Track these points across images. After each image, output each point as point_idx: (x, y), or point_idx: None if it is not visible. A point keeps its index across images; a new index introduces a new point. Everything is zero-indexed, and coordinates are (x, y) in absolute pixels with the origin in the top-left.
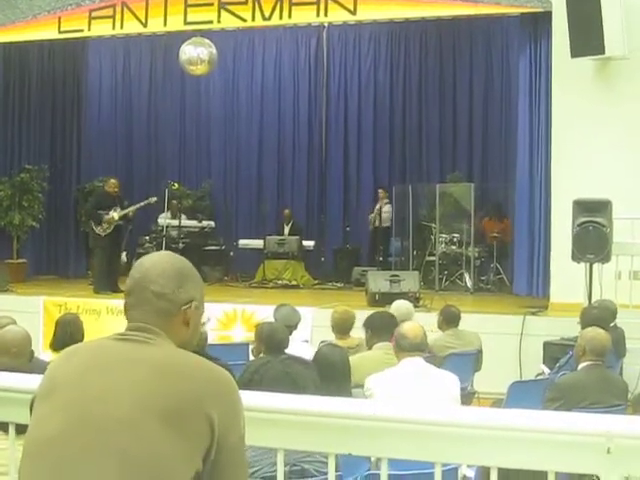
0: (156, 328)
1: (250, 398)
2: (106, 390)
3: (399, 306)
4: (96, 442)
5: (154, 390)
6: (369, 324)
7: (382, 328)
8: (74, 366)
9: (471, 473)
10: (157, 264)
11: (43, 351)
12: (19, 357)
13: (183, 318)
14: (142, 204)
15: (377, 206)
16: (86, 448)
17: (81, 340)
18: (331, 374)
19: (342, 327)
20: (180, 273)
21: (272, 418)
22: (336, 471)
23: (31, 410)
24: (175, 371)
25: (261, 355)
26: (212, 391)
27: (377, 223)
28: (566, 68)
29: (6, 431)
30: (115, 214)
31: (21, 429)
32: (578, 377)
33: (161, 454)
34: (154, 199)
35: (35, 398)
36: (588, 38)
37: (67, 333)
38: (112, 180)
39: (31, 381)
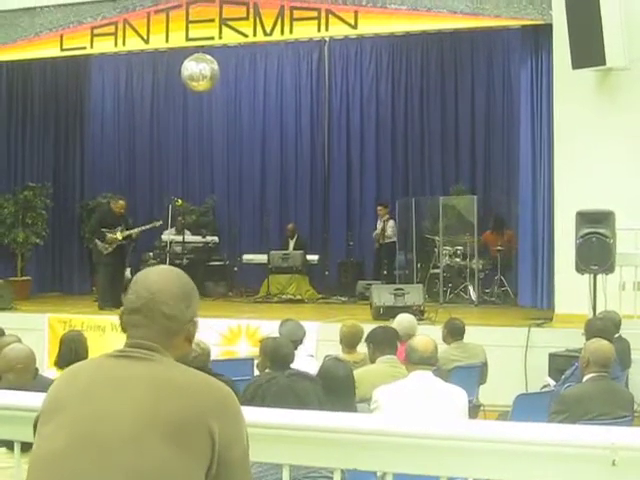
0: (157, 345)
1: (254, 414)
2: (108, 408)
3: (402, 320)
4: (100, 460)
5: (155, 406)
6: (371, 339)
7: (384, 342)
8: (77, 385)
9: None
10: (165, 284)
11: (48, 368)
12: (24, 374)
13: (186, 335)
14: (147, 227)
15: (379, 223)
16: (91, 466)
17: (86, 357)
18: (335, 388)
19: (350, 341)
20: (187, 292)
21: (277, 434)
22: None
23: (35, 429)
24: (176, 387)
25: (267, 370)
26: (213, 406)
27: (382, 240)
28: (567, 79)
29: (12, 449)
30: (119, 234)
31: (26, 447)
32: (583, 389)
33: (165, 470)
34: (159, 222)
35: (39, 417)
36: (589, 49)
37: (72, 350)
38: (120, 202)
39: (36, 399)
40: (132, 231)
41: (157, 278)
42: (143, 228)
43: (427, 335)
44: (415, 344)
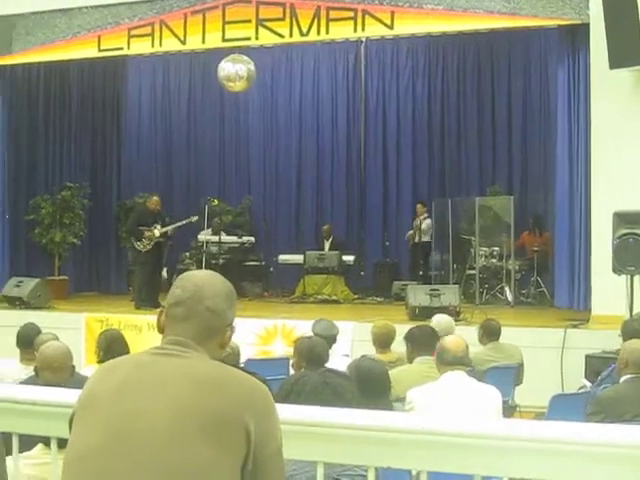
0: (194, 342)
1: (289, 411)
2: (145, 405)
3: (440, 320)
4: (136, 457)
5: (193, 403)
6: (410, 338)
7: (423, 342)
8: (113, 381)
9: None
10: (211, 282)
11: (85, 366)
12: (61, 372)
13: (222, 339)
14: (183, 222)
15: (416, 221)
16: (126, 463)
17: (127, 353)
18: (370, 387)
19: (382, 341)
20: (229, 294)
21: (311, 431)
22: None
23: (70, 424)
24: (213, 384)
25: (302, 370)
26: (249, 402)
27: (417, 239)
28: (604, 79)
29: (49, 445)
30: (156, 231)
31: (63, 443)
32: (620, 390)
33: (203, 466)
34: (195, 218)
35: (74, 413)
36: (626, 49)
37: (115, 348)
38: (154, 197)
39: (72, 396)
40: (168, 227)
41: (204, 275)
42: (179, 224)
43: (459, 335)
44: (447, 344)
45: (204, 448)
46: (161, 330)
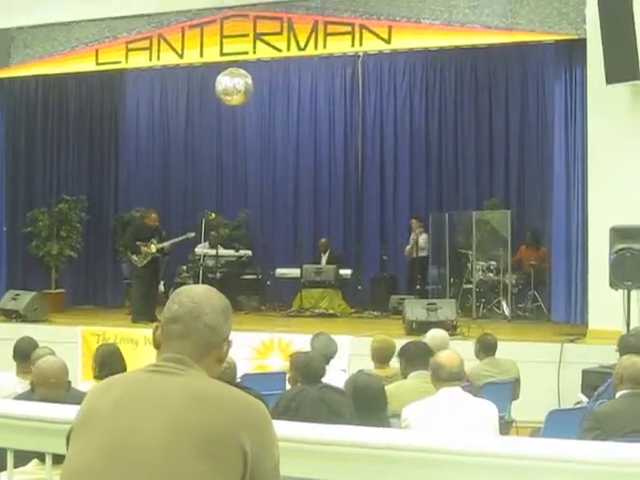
0: (191, 360)
1: (286, 428)
2: (140, 422)
3: (434, 335)
4: (133, 473)
5: (188, 421)
6: (403, 354)
7: (416, 357)
8: (110, 398)
9: None
10: (207, 297)
11: (81, 381)
12: (57, 388)
13: (219, 354)
14: (180, 239)
15: (411, 236)
16: (123, 479)
17: (123, 368)
18: (366, 403)
19: (381, 356)
20: (226, 309)
21: (308, 449)
22: None
23: (68, 441)
24: (208, 402)
25: (298, 385)
26: (245, 421)
27: (415, 254)
28: (601, 94)
29: (43, 461)
30: (153, 247)
31: (58, 459)
32: (616, 406)
33: None
34: (192, 234)
35: (72, 429)
36: (623, 64)
37: (112, 363)
38: (153, 215)
39: (67, 412)
40: (165, 243)
41: (200, 290)
42: (176, 240)
43: (453, 350)
44: (441, 360)
45: (199, 466)
46: (157, 346)
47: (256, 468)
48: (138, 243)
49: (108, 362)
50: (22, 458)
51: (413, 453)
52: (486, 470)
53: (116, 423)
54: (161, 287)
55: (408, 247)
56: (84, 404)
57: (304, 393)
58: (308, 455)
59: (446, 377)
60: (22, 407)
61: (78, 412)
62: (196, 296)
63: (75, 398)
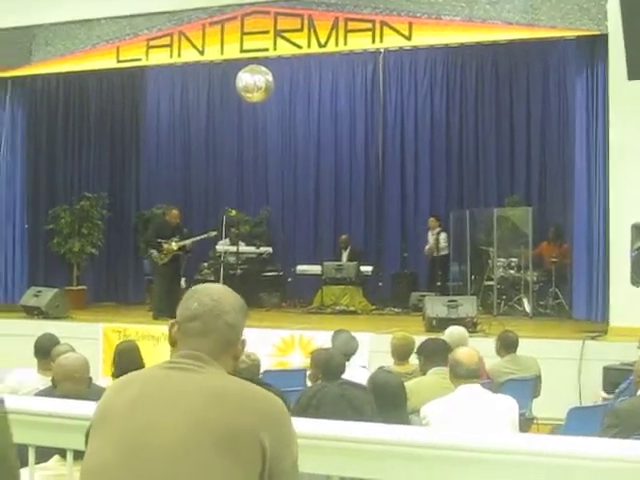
0: (208, 356)
1: (306, 425)
2: (158, 420)
3: (452, 332)
4: (151, 470)
5: (207, 418)
6: (422, 351)
7: (435, 354)
8: (126, 397)
9: None
10: (226, 296)
11: (102, 377)
12: (78, 383)
13: (235, 352)
14: (202, 237)
15: (430, 235)
16: (138, 477)
17: (141, 366)
18: (387, 400)
19: (401, 353)
20: (243, 307)
21: (327, 445)
22: None
23: (87, 438)
24: (227, 399)
25: (318, 382)
26: (264, 418)
27: (436, 253)
28: (623, 90)
29: (64, 457)
30: (174, 244)
31: (78, 455)
32: (636, 403)
33: None
34: (214, 233)
35: (90, 426)
36: None
37: (128, 361)
38: (174, 211)
39: (87, 408)
40: (186, 241)
41: (217, 288)
42: (197, 238)
43: (472, 347)
44: (459, 357)
45: (218, 463)
46: (173, 343)
47: (275, 465)
48: (160, 240)
49: (125, 359)
50: (43, 454)
51: (434, 451)
52: (506, 467)
53: (133, 420)
54: (182, 284)
55: (427, 247)
56: (101, 401)
57: (325, 390)
58: (329, 452)
59: (464, 374)
60: (43, 403)
61: (96, 409)
62: (215, 294)
63: (96, 394)
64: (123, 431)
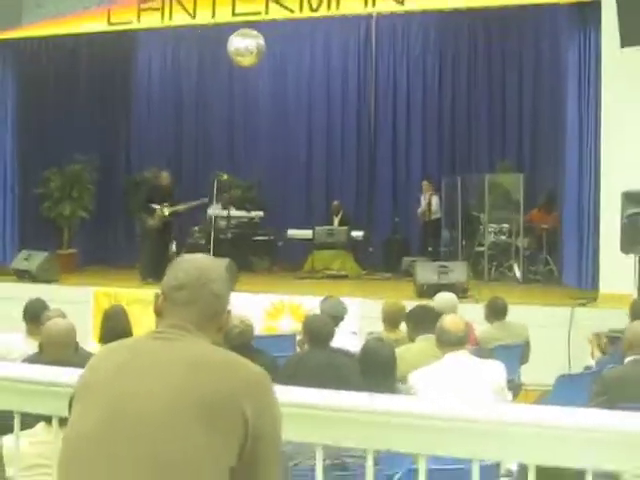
0: (195, 327)
1: (289, 393)
2: (141, 388)
3: (442, 298)
4: (130, 439)
5: (189, 386)
6: (410, 317)
7: (424, 321)
8: (111, 364)
9: (515, 467)
10: (213, 265)
11: (92, 341)
12: (65, 349)
13: (220, 323)
14: (193, 204)
15: (423, 199)
16: (120, 444)
17: (129, 331)
18: (377, 369)
19: (392, 319)
20: (229, 278)
21: (311, 414)
22: (377, 465)
23: (70, 405)
24: (209, 368)
25: (305, 346)
26: (246, 386)
27: (428, 216)
28: (615, 57)
29: (50, 423)
30: (166, 210)
31: (64, 422)
32: (624, 371)
33: (196, 449)
34: (205, 199)
35: (74, 394)
36: (637, 27)
37: (115, 326)
38: (164, 173)
39: (72, 375)
40: (178, 207)
41: (205, 259)
42: (190, 205)
43: (458, 315)
44: (445, 325)
45: (197, 431)
46: (158, 313)
47: (257, 434)
48: (152, 205)
49: (112, 323)
50: (29, 421)
51: (417, 420)
52: (491, 437)
53: (117, 388)
54: (173, 247)
55: (420, 209)
56: (86, 370)
57: (309, 356)
58: (313, 420)
59: (450, 342)
60: (28, 370)
61: (79, 377)
62: (201, 264)
63: (83, 359)
64: (106, 398)
